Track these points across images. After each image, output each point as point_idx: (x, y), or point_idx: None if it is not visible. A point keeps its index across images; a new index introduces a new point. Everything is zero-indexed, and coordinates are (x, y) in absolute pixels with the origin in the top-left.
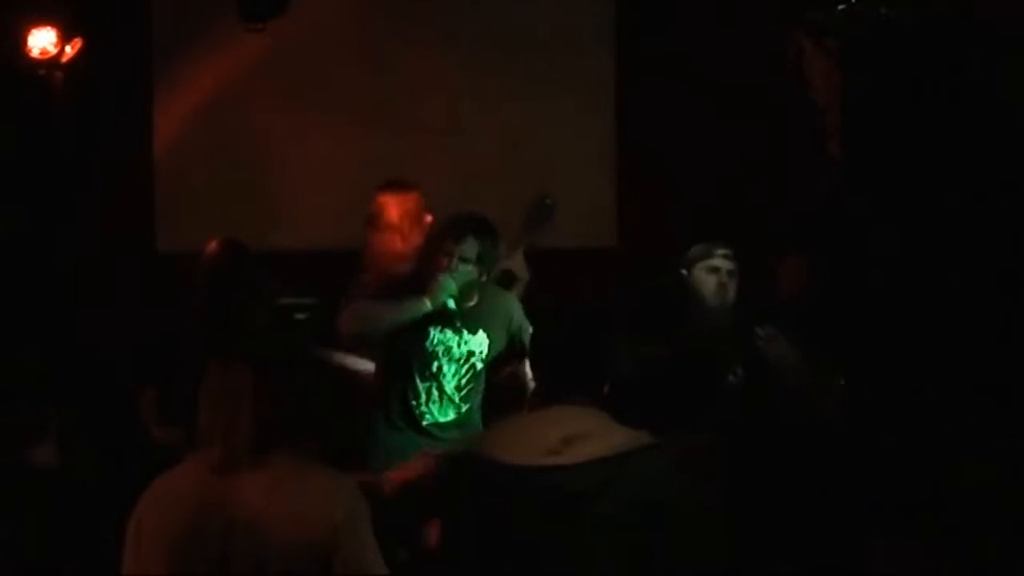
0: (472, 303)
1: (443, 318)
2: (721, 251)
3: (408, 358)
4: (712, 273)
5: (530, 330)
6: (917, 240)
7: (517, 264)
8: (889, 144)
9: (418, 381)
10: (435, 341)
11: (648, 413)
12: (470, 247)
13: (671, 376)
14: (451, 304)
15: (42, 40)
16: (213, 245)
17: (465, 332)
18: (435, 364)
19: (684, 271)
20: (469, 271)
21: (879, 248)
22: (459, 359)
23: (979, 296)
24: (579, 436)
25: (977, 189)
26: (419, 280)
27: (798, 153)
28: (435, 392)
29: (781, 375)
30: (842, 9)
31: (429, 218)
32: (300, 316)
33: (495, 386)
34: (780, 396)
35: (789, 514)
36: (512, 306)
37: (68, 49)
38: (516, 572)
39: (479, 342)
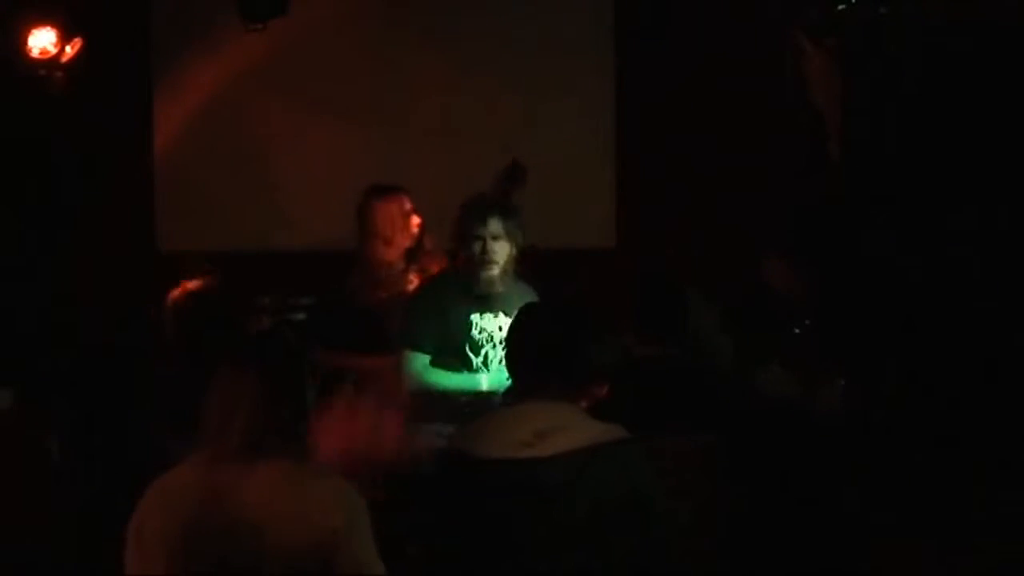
0: (502, 289)
1: (481, 303)
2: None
3: (455, 348)
4: None
5: None
6: (916, 240)
7: None
8: (889, 144)
9: (465, 373)
10: (478, 328)
11: (645, 413)
12: (496, 226)
13: (668, 377)
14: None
15: (42, 40)
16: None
17: (502, 315)
18: (482, 352)
19: None
20: (503, 246)
21: (878, 248)
22: (502, 342)
23: (978, 295)
24: (552, 429)
25: (977, 189)
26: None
27: (797, 153)
28: (482, 384)
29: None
30: (842, 9)
31: (417, 220)
32: (299, 316)
33: None
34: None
35: (787, 514)
36: (527, 297)
37: (68, 49)
38: (493, 564)
39: None
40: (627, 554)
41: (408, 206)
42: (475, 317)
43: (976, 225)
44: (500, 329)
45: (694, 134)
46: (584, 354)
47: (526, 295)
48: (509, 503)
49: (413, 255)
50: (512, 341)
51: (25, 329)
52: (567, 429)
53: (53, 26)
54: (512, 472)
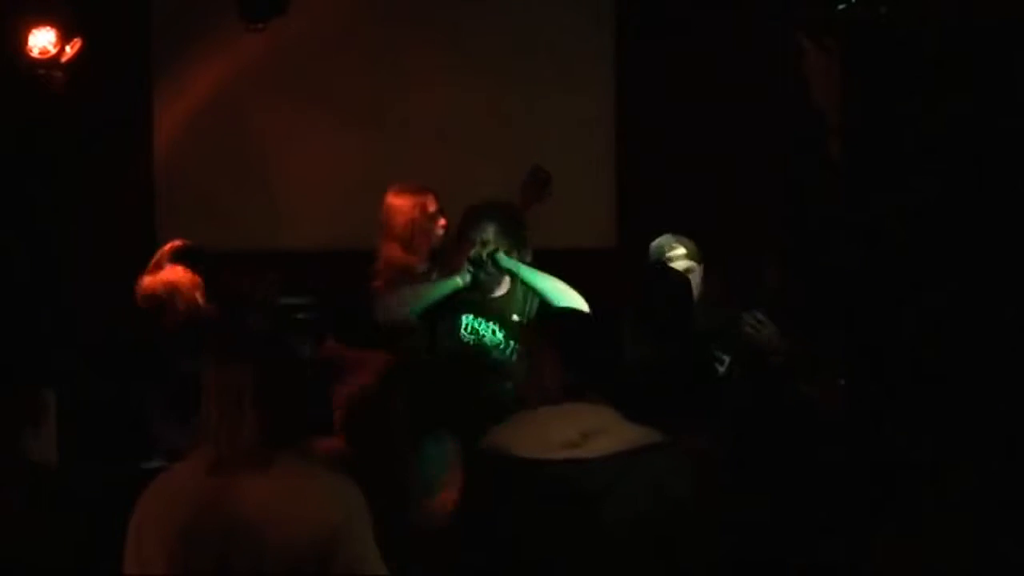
0: (503, 292)
1: (474, 306)
2: (678, 251)
3: (443, 348)
4: None
5: None
6: (917, 240)
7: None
8: (889, 144)
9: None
10: (468, 329)
11: (648, 411)
12: (487, 232)
13: (671, 374)
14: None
15: (42, 40)
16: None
17: (496, 320)
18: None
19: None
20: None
21: (877, 247)
22: (497, 346)
23: (979, 295)
24: (596, 431)
25: (978, 188)
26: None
27: (798, 153)
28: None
29: (768, 357)
30: (842, 9)
31: (443, 221)
32: (301, 316)
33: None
34: (769, 383)
35: (788, 513)
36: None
37: (68, 49)
38: (534, 563)
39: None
40: (666, 553)
41: (432, 208)
42: (466, 319)
43: (977, 223)
44: (493, 333)
45: (694, 134)
46: (623, 357)
47: (527, 300)
48: (553, 502)
49: (439, 258)
50: (560, 344)
51: (25, 328)
52: (609, 431)
53: (53, 26)
54: (557, 471)
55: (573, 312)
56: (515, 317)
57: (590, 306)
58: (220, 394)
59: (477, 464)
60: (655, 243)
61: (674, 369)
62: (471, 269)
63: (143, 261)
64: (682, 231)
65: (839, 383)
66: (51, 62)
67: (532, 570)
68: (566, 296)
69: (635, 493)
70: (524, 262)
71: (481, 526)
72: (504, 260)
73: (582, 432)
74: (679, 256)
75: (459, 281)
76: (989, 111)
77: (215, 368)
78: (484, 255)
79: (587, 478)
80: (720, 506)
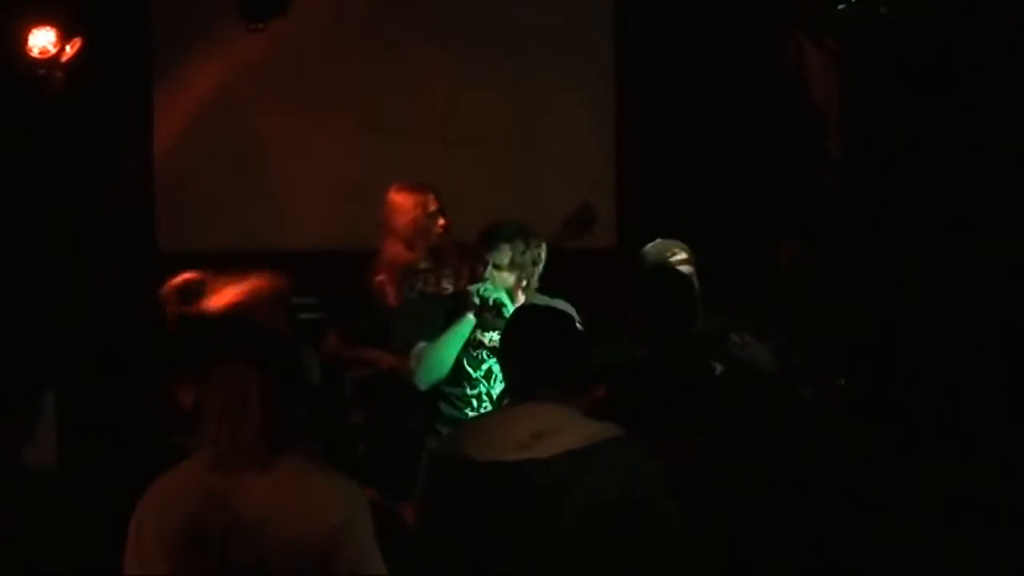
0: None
1: (490, 322)
2: (679, 256)
3: (456, 365)
4: None
5: None
6: (917, 239)
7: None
8: (889, 143)
9: (467, 389)
10: (486, 342)
11: (639, 412)
12: (502, 254)
13: (660, 376)
14: (505, 301)
15: (42, 40)
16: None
17: None
18: (484, 367)
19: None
20: (505, 277)
21: (878, 247)
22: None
23: (978, 294)
24: (549, 431)
25: (977, 188)
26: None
27: (798, 153)
28: (484, 399)
29: (756, 375)
30: (842, 9)
31: (442, 221)
32: (308, 316)
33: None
34: (758, 392)
35: (785, 513)
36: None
37: (68, 49)
38: (494, 567)
39: None
40: (625, 553)
41: (433, 207)
42: (476, 332)
43: (975, 222)
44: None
45: (694, 134)
46: (579, 356)
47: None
48: (507, 505)
49: (438, 256)
50: (507, 344)
51: (25, 329)
52: (564, 430)
53: (53, 26)
54: (510, 474)
55: (526, 311)
56: None
57: (590, 305)
58: (223, 394)
59: (433, 469)
60: (652, 248)
61: (676, 369)
62: (476, 303)
63: (143, 261)
64: (681, 231)
65: (839, 383)
66: (51, 62)
67: (490, 573)
68: None
69: (599, 487)
70: (536, 278)
71: (441, 531)
72: (508, 310)
73: (533, 433)
74: (680, 261)
75: (471, 319)
76: (989, 111)
77: (219, 368)
78: (491, 301)
79: (539, 479)
80: (716, 507)
